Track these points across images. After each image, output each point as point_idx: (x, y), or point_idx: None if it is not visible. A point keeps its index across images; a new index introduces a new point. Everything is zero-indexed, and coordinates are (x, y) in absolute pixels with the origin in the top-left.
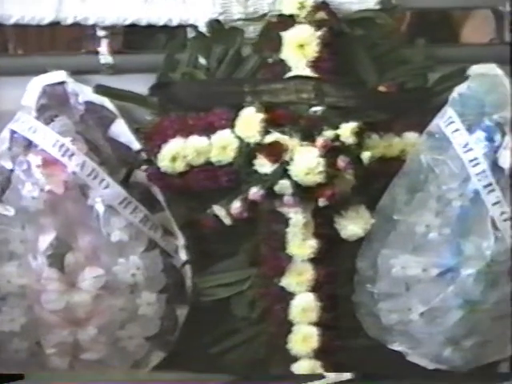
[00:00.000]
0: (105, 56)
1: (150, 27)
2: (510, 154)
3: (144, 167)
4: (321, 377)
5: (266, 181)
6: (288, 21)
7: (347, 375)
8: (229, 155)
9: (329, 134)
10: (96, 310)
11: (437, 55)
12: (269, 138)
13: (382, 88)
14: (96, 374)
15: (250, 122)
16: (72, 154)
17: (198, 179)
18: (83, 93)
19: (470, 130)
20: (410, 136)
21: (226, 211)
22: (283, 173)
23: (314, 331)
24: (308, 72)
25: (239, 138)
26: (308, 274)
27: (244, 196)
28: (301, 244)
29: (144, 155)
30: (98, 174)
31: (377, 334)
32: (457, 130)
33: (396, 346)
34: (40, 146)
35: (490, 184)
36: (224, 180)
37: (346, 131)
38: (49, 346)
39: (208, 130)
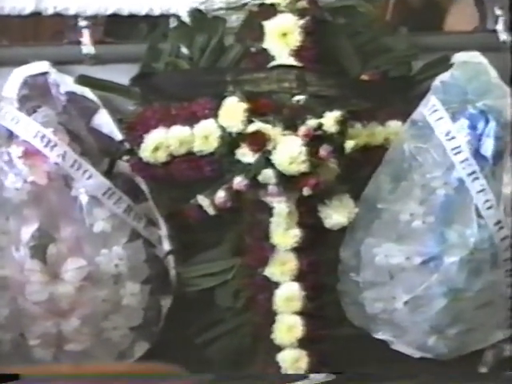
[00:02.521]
0: (87, 46)
1: (132, 17)
2: None
3: (126, 158)
4: (304, 377)
5: (249, 170)
6: (270, 10)
7: (330, 376)
8: (211, 145)
9: (312, 122)
10: (79, 301)
11: (420, 43)
12: (251, 128)
13: (364, 76)
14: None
15: (233, 112)
16: (54, 145)
17: (181, 169)
18: (65, 83)
19: (454, 118)
20: (394, 124)
21: (210, 201)
22: (266, 162)
23: (298, 321)
24: (292, 61)
25: (222, 127)
26: (292, 263)
27: (228, 186)
28: (284, 233)
29: (127, 145)
30: (81, 165)
31: (361, 323)
32: (440, 118)
33: (381, 335)
34: (22, 136)
35: (474, 172)
36: (207, 170)
37: (330, 120)
38: (32, 338)
39: (191, 120)
